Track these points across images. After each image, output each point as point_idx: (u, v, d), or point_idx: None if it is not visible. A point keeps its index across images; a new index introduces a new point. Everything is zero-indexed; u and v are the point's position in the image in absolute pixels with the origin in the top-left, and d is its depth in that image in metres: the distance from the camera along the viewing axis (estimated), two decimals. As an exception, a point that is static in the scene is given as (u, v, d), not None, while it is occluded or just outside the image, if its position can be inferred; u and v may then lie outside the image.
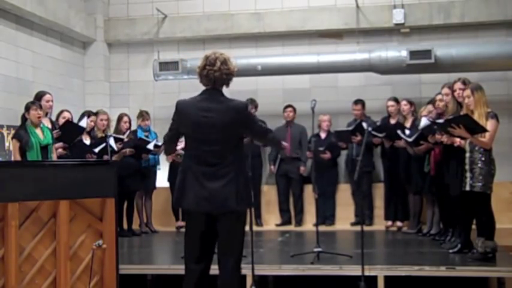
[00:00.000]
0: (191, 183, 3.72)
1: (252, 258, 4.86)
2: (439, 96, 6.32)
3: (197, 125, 3.72)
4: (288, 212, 8.64)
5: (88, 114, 7.40)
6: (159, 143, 7.93)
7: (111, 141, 6.97)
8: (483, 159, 5.19)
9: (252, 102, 8.32)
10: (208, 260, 3.85)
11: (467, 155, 5.32)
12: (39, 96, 6.66)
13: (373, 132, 7.44)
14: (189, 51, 9.32)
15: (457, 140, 5.45)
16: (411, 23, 8.75)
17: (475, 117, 5.16)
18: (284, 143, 4.76)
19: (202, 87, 3.91)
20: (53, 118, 7.02)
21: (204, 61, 3.79)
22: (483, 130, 5.06)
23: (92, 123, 7.36)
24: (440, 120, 5.60)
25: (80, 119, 7.20)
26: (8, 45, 7.68)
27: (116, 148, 7.08)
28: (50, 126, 6.62)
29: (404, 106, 7.48)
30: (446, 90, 6.03)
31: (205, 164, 3.70)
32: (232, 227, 3.77)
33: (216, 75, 3.75)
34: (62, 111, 7.08)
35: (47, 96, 6.72)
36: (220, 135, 3.70)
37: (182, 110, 3.81)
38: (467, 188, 5.28)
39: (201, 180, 3.69)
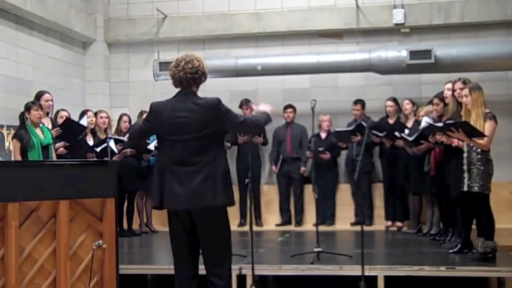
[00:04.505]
0: (169, 183, 3.70)
1: (252, 258, 4.87)
2: (435, 100, 6.35)
3: (173, 125, 3.70)
4: (288, 212, 8.64)
5: (85, 111, 7.38)
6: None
7: (112, 143, 6.95)
8: (481, 159, 5.18)
9: (247, 102, 8.33)
10: (195, 262, 3.86)
11: (465, 155, 5.31)
12: (38, 96, 6.66)
13: (373, 132, 7.44)
14: (189, 51, 9.04)
15: (455, 140, 5.44)
16: (411, 23, 8.75)
17: (472, 117, 5.17)
18: (264, 108, 4.11)
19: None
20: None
21: (172, 64, 3.80)
22: (481, 135, 5.06)
23: (92, 120, 7.32)
24: (440, 124, 5.61)
25: (80, 118, 7.19)
26: (8, 45, 7.67)
27: (116, 150, 7.06)
28: (50, 126, 6.61)
29: (407, 105, 7.48)
30: (449, 85, 6.02)
31: (182, 164, 3.68)
32: (213, 226, 3.73)
33: (180, 75, 3.75)
34: (58, 111, 7.05)
35: (46, 96, 6.71)
36: (196, 135, 3.67)
37: (157, 111, 3.80)
38: (465, 188, 5.28)
39: (178, 179, 3.68)
